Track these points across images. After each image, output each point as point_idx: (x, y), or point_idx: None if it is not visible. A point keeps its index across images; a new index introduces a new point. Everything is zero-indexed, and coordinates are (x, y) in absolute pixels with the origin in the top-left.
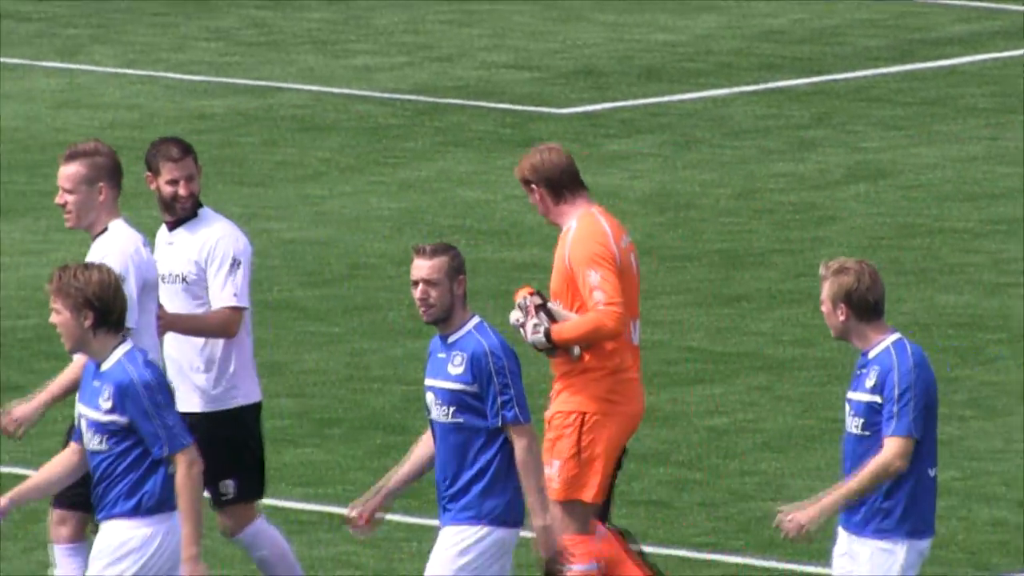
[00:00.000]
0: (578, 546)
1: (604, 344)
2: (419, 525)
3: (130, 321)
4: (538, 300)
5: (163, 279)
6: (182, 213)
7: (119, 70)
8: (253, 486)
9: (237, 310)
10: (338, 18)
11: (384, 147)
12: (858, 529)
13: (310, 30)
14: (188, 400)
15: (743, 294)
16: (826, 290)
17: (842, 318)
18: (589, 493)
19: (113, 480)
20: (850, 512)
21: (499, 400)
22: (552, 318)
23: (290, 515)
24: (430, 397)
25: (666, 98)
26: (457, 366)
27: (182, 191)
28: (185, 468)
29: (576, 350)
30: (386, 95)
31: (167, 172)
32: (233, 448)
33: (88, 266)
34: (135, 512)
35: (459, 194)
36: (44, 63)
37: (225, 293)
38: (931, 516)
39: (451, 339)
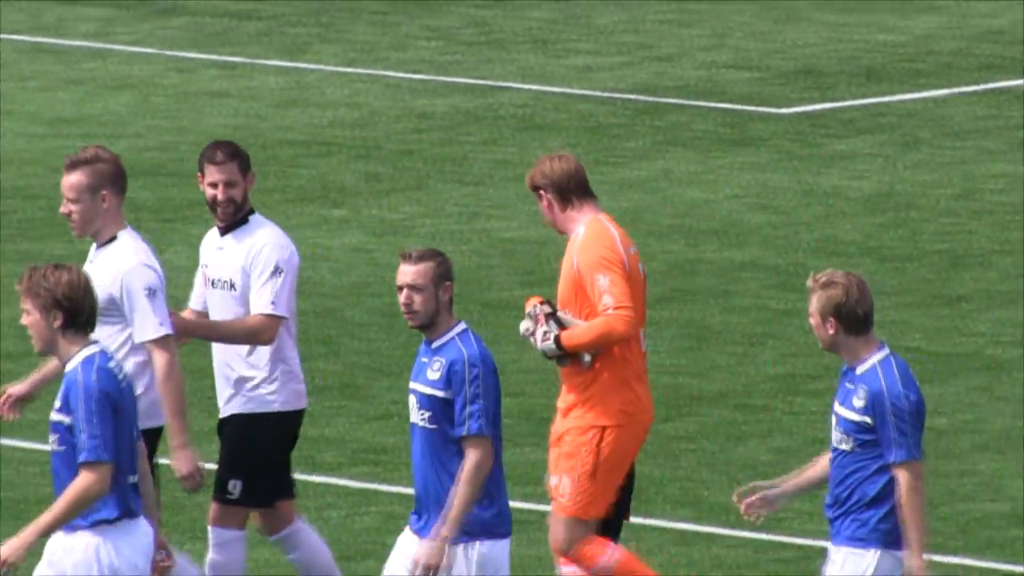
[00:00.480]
0: (588, 549)
1: (615, 353)
2: (637, 524)
3: (172, 328)
4: (547, 309)
5: (213, 284)
6: (223, 218)
7: (341, 69)
8: (260, 494)
9: (272, 318)
10: (558, 17)
11: (604, 146)
12: (835, 535)
13: (530, 29)
14: (228, 402)
15: (963, 295)
16: (814, 303)
17: (831, 332)
18: (598, 510)
19: (64, 485)
20: (832, 520)
21: (467, 409)
22: (562, 326)
23: None
24: (412, 400)
25: (887, 98)
26: (436, 371)
27: (220, 196)
28: (84, 481)
29: (587, 357)
30: (606, 94)
31: (208, 175)
32: (252, 450)
33: (58, 267)
34: (95, 524)
35: (679, 193)
36: (268, 61)
37: (261, 300)
38: None
39: (435, 344)
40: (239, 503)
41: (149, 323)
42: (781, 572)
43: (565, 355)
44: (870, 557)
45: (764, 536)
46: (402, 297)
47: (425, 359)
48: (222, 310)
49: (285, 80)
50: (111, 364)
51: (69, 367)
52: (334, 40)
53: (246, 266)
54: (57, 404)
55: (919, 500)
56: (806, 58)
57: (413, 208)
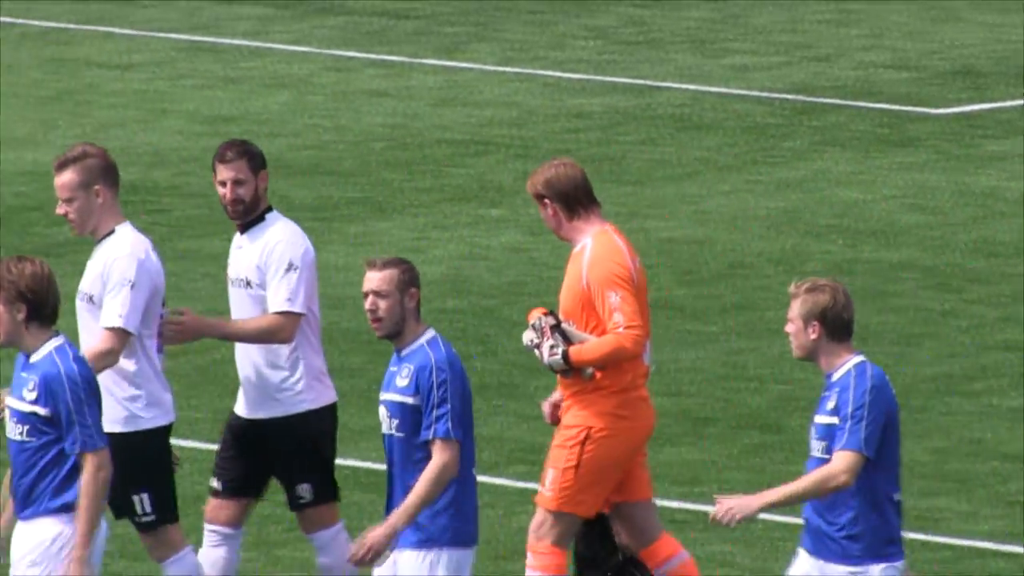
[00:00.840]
0: (550, 557)
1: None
2: (796, 524)
3: (130, 326)
4: (552, 321)
5: (232, 282)
6: (233, 216)
7: (497, 68)
8: (328, 488)
9: (288, 315)
10: (716, 17)
11: (762, 146)
12: (828, 556)
13: (688, 29)
14: (257, 405)
15: None
16: (796, 308)
17: (813, 336)
18: (585, 508)
19: (35, 476)
20: (817, 539)
21: (434, 413)
22: (567, 339)
23: (666, 514)
24: (382, 411)
25: None
26: (404, 378)
27: (228, 194)
28: (93, 469)
29: (589, 370)
30: (764, 94)
31: (219, 173)
32: (304, 452)
33: (22, 259)
34: (60, 510)
35: (836, 194)
36: (424, 60)
37: (277, 297)
38: (898, 537)
39: (403, 352)
40: (314, 504)
41: (114, 311)
42: (935, 572)
43: (571, 369)
44: (873, 572)
45: (918, 536)
46: (367, 303)
47: (394, 368)
48: (240, 309)
49: (442, 79)
50: (80, 352)
51: (38, 358)
52: (490, 39)
53: (261, 264)
54: (31, 396)
55: (827, 486)
56: (963, 58)
57: None
